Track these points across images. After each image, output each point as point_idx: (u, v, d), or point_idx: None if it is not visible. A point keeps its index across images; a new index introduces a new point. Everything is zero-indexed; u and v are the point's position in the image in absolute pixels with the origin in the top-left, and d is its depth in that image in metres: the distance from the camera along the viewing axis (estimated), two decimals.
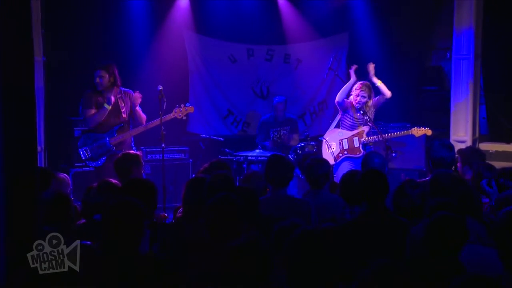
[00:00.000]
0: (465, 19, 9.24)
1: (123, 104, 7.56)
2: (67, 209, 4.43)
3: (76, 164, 8.64)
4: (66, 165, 8.82)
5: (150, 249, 4.57)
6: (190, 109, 7.77)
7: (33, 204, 3.31)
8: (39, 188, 3.53)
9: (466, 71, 9.32)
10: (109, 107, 7.46)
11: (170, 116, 7.60)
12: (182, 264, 4.02)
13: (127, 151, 6.68)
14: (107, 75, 7.44)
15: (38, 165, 4.51)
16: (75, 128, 8.80)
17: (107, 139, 7.48)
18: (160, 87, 7.35)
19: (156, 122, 7.47)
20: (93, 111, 7.45)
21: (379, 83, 8.37)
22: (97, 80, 7.44)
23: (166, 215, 6.05)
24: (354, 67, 8.47)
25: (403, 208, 4.71)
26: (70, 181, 6.09)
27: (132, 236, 3.75)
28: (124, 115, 7.55)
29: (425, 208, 4.40)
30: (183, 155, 9.41)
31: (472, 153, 6.44)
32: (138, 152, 6.72)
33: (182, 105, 7.70)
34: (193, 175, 7.63)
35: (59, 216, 4.31)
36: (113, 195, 4.91)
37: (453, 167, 6.23)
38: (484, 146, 9.20)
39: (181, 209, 5.26)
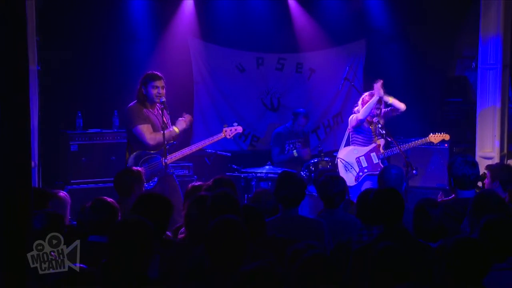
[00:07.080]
0: (492, 25, 9.21)
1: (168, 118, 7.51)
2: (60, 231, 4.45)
3: (72, 181, 8.67)
4: (61, 182, 8.83)
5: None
6: (239, 128, 7.94)
7: (26, 226, 3.32)
8: (33, 208, 3.55)
9: (493, 82, 9.29)
10: (177, 131, 7.41)
11: (220, 136, 7.76)
12: None
13: (129, 167, 6.74)
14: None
15: (33, 183, 4.55)
16: (71, 142, 8.80)
17: (160, 158, 7.30)
18: (163, 99, 7.38)
19: (208, 141, 7.73)
20: (150, 127, 7.29)
21: (391, 100, 8.32)
22: (161, 91, 7.35)
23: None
24: (380, 82, 8.26)
25: (425, 230, 4.72)
26: (69, 200, 6.10)
27: (140, 258, 3.73)
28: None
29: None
30: (187, 172, 9.41)
31: (502, 169, 6.34)
32: (139, 169, 6.77)
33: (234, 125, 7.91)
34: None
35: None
36: (108, 213, 4.95)
37: (480, 184, 6.21)
38: None
39: (182, 229, 5.28)
